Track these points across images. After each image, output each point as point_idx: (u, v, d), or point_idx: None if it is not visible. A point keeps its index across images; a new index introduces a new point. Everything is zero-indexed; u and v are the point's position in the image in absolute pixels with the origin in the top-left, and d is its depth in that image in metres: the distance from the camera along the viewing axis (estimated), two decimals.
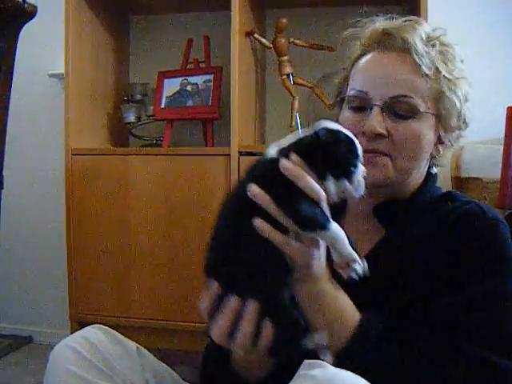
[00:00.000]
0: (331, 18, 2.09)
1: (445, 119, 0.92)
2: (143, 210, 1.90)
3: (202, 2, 2.13)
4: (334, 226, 0.71)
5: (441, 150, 0.95)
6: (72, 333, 1.95)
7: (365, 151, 0.83)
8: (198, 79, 2.04)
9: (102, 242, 1.94)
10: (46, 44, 2.38)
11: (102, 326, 0.94)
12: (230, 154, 1.83)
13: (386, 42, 0.91)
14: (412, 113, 0.88)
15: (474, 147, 1.88)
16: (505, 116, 1.66)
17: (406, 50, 0.89)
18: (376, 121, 0.87)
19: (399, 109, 0.88)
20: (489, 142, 1.98)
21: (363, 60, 0.94)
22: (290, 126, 1.93)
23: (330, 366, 0.70)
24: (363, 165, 0.77)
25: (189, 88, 2.05)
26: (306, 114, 2.05)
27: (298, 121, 1.94)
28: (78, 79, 2.01)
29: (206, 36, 2.13)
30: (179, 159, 1.88)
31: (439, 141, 0.94)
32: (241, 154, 1.83)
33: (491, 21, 2.10)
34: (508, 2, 2.10)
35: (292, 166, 0.70)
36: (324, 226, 0.70)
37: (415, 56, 0.88)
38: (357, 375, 0.69)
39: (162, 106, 2.06)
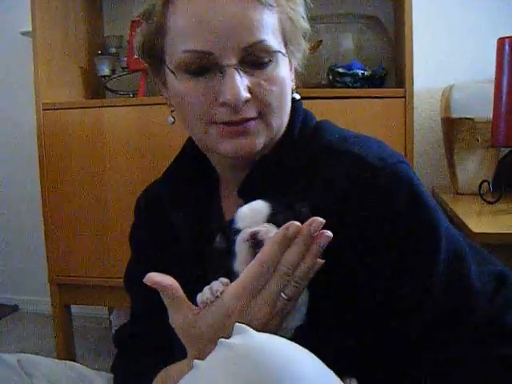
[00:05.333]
0: None
1: (295, 47, 0.77)
2: (120, 163, 1.81)
3: None
4: None
5: (294, 79, 0.81)
6: (52, 297, 1.91)
7: (231, 123, 0.71)
8: None
9: (79, 200, 1.85)
10: (17, 2, 2.30)
11: None
12: None
13: None
14: (269, 57, 0.71)
15: (465, 86, 1.78)
16: (495, 49, 1.56)
17: None
18: (237, 85, 0.69)
19: (257, 58, 0.71)
20: (480, 81, 1.88)
21: (183, 1, 0.71)
22: None
23: (254, 333, 0.56)
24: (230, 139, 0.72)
25: None
26: None
27: None
28: (46, 34, 1.90)
29: None
30: (154, 108, 1.79)
31: (291, 71, 0.79)
32: None
33: None
34: None
35: None
36: None
37: None
38: (288, 342, 0.56)
39: (136, 57, 1.95)
